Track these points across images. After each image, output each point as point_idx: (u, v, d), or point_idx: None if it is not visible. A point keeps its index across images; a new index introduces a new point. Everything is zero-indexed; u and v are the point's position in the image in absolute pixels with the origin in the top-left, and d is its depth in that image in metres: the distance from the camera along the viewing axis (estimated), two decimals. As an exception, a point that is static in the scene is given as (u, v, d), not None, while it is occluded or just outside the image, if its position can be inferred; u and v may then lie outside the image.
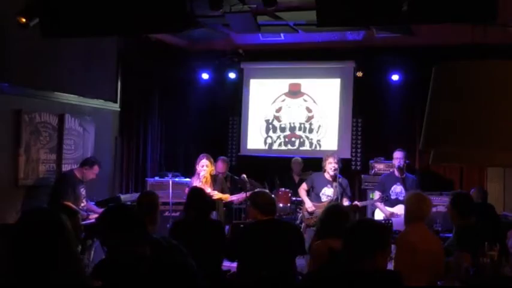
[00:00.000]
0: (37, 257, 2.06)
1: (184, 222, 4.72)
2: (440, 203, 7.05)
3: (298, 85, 9.19)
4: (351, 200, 6.67)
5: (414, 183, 6.66)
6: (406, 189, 6.47)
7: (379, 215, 6.66)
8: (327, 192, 6.45)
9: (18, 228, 2.18)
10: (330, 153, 6.67)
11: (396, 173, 6.68)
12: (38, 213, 2.23)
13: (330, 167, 6.39)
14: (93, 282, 2.66)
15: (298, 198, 6.90)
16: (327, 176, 6.48)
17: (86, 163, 6.10)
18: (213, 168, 6.38)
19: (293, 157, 8.18)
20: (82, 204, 6.00)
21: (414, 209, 3.72)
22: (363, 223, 2.61)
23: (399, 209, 6.22)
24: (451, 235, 4.54)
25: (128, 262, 2.71)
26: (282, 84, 9.25)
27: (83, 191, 6.02)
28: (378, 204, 6.66)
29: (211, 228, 4.50)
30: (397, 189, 6.56)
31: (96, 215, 5.99)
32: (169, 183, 6.56)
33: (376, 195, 6.72)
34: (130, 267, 2.69)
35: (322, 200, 6.42)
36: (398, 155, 6.66)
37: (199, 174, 6.24)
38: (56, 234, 2.12)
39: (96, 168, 6.10)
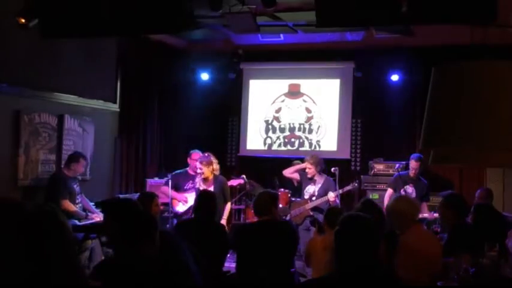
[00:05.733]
0: (36, 257, 2.06)
1: (186, 223, 4.73)
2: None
3: (298, 85, 9.19)
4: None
5: (425, 187, 6.80)
6: (417, 191, 6.61)
7: None
8: (310, 190, 6.61)
9: (18, 228, 2.18)
10: (309, 156, 6.73)
11: (411, 174, 6.80)
12: (39, 214, 2.23)
13: (307, 170, 6.63)
14: (92, 282, 2.66)
15: (297, 199, 6.93)
16: (309, 175, 6.71)
17: (72, 159, 6.10)
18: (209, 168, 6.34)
19: (293, 158, 8.18)
20: (77, 201, 6.00)
21: (409, 213, 3.72)
22: (354, 219, 2.58)
23: None
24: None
25: (133, 263, 2.72)
26: (282, 85, 9.25)
27: (76, 187, 6.03)
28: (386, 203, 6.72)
29: (213, 229, 4.50)
30: (409, 189, 6.68)
31: (94, 215, 6.00)
32: (168, 183, 6.54)
33: (388, 193, 6.84)
34: (135, 267, 2.69)
35: (305, 197, 6.62)
36: (414, 165, 6.75)
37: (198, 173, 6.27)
38: (56, 234, 2.11)
39: (82, 160, 6.13)
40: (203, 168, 6.19)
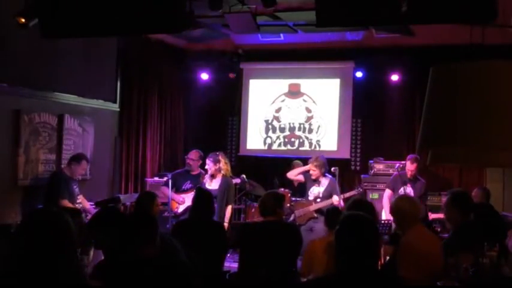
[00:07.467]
0: (40, 257, 2.06)
1: (186, 223, 4.73)
2: (439, 203, 7.08)
3: (298, 85, 9.20)
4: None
5: (423, 187, 6.76)
6: (415, 191, 6.58)
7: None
8: (314, 191, 6.54)
9: (23, 229, 2.18)
10: (313, 158, 6.68)
11: (408, 175, 6.77)
12: (44, 214, 2.23)
13: (311, 172, 6.51)
14: (92, 282, 2.66)
15: (297, 199, 6.92)
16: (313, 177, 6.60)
17: (73, 159, 6.11)
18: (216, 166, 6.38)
19: (293, 157, 8.18)
20: (78, 201, 6.00)
21: (411, 212, 3.72)
22: (354, 219, 2.58)
23: None
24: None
25: (132, 263, 2.72)
26: (282, 85, 9.26)
27: (75, 188, 6.02)
28: (385, 204, 6.71)
29: (212, 228, 4.51)
30: (407, 189, 6.63)
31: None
32: (168, 183, 6.55)
33: (387, 193, 6.80)
34: (135, 268, 2.69)
35: (310, 199, 6.54)
36: (410, 167, 6.71)
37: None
38: (61, 235, 2.12)
39: (83, 163, 6.12)
40: (210, 164, 6.27)
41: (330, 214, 4.15)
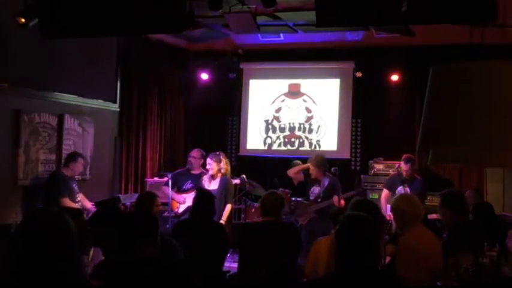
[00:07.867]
0: (40, 257, 2.06)
1: (186, 223, 4.74)
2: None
3: (298, 85, 9.20)
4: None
5: (420, 186, 6.73)
6: (412, 190, 6.55)
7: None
8: (315, 191, 6.54)
9: (23, 229, 2.18)
10: (312, 156, 6.67)
11: (404, 175, 6.76)
12: (44, 214, 2.23)
13: (310, 171, 6.51)
14: (92, 282, 2.66)
15: (297, 199, 6.92)
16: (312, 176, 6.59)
17: (69, 159, 6.10)
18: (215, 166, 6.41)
19: (293, 157, 8.18)
20: (77, 199, 6.01)
21: (410, 212, 3.71)
22: (354, 219, 2.57)
23: None
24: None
25: (132, 263, 2.72)
26: (282, 85, 9.26)
27: (75, 187, 6.03)
28: (383, 203, 6.71)
29: (213, 228, 4.51)
30: (405, 189, 6.61)
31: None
32: (168, 183, 6.56)
33: (384, 193, 6.81)
34: (135, 268, 2.69)
35: (311, 199, 6.54)
36: (405, 167, 6.70)
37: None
38: (61, 235, 2.12)
39: (80, 159, 6.13)
40: (212, 164, 6.28)
41: (335, 214, 4.15)
